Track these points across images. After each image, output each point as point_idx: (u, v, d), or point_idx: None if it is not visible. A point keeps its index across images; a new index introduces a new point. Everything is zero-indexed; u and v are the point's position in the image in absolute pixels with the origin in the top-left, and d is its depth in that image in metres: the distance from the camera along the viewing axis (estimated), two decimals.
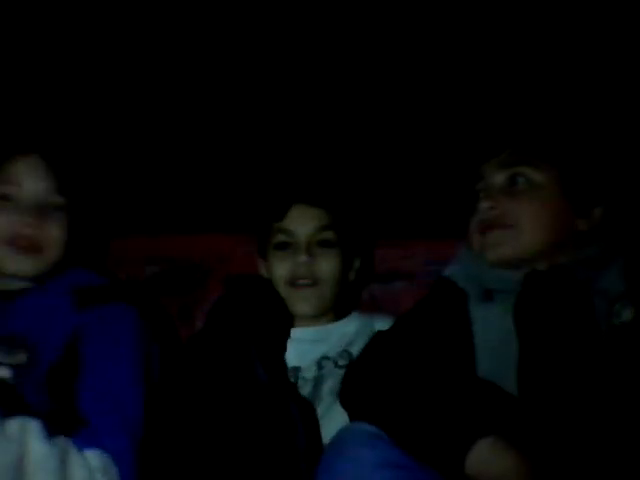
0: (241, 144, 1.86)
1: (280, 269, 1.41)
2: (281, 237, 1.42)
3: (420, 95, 1.80)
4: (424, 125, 1.80)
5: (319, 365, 1.38)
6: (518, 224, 1.19)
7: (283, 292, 1.40)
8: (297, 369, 1.37)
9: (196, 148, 1.87)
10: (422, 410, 1.00)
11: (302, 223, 1.41)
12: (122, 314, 1.21)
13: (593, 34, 1.70)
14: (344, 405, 1.14)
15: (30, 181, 1.22)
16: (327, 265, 1.40)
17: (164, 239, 1.69)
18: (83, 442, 1.03)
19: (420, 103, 1.80)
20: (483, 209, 1.22)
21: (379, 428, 1.00)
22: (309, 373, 1.37)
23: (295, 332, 1.41)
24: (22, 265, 1.21)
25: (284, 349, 1.38)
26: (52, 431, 1.00)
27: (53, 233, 1.22)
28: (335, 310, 1.46)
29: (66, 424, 1.04)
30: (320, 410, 1.32)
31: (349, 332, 1.42)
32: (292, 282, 1.39)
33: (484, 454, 0.94)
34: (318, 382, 1.36)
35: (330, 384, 1.34)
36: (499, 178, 1.22)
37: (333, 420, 1.25)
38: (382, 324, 1.34)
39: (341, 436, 1.02)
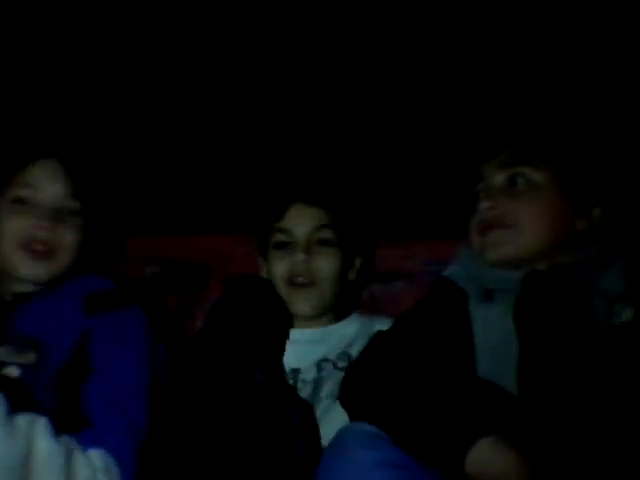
0: (240, 144, 1.86)
1: (278, 268, 1.41)
2: (280, 237, 1.42)
3: (420, 95, 1.80)
4: (424, 125, 1.80)
5: (319, 367, 1.37)
6: (518, 224, 1.19)
7: (283, 292, 1.40)
8: (297, 371, 1.37)
9: (196, 149, 1.87)
10: (422, 410, 1.00)
11: (300, 222, 1.42)
12: (131, 318, 1.23)
13: (592, 35, 1.70)
14: (344, 405, 1.14)
15: (47, 185, 1.24)
16: (325, 264, 1.40)
17: (164, 239, 1.70)
18: (87, 442, 1.04)
19: (420, 103, 1.80)
20: (483, 209, 1.22)
21: (379, 428, 1.00)
22: (309, 375, 1.37)
23: (294, 333, 1.40)
24: (36, 270, 1.22)
25: (282, 350, 1.38)
26: (58, 430, 1.01)
27: (67, 237, 1.23)
28: (335, 310, 1.46)
29: (71, 424, 1.05)
30: (319, 412, 1.32)
31: (349, 334, 1.42)
32: (290, 281, 1.39)
33: (484, 453, 0.93)
34: (317, 384, 1.35)
35: (329, 386, 1.34)
36: (499, 178, 1.23)
37: (332, 422, 1.24)
38: (382, 326, 1.33)
39: (341, 436, 1.02)
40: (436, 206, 1.72)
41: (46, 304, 1.22)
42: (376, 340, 1.19)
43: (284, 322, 1.39)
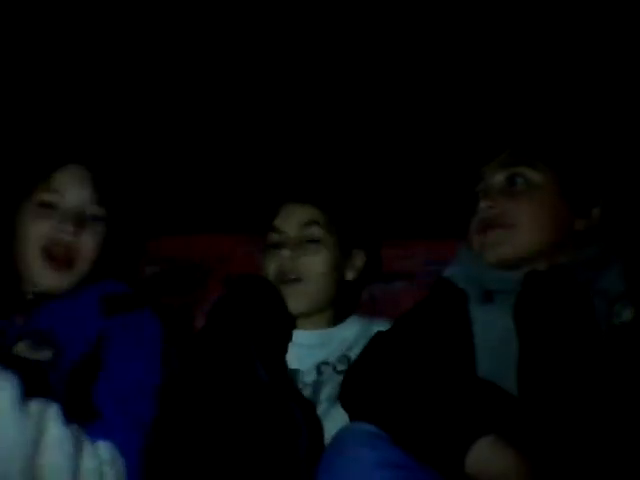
0: (240, 145, 1.86)
1: (269, 266, 1.42)
2: (273, 236, 1.44)
3: (420, 96, 1.80)
4: (424, 126, 1.80)
5: (318, 370, 1.37)
6: (517, 224, 1.19)
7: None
8: (297, 372, 1.37)
9: (196, 149, 1.87)
10: (422, 409, 1.00)
11: (289, 220, 1.43)
12: (146, 321, 1.25)
13: (592, 36, 1.70)
14: (344, 405, 1.14)
15: (74, 191, 1.26)
16: (313, 261, 1.40)
17: (164, 239, 1.70)
18: (95, 433, 1.06)
19: (420, 104, 1.80)
20: (482, 208, 1.22)
21: (379, 428, 1.00)
22: (308, 378, 1.37)
23: (296, 336, 1.40)
24: (55, 281, 1.24)
25: (285, 349, 1.38)
26: (68, 419, 1.03)
27: (89, 243, 1.25)
28: (334, 311, 1.46)
29: (81, 416, 1.07)
30: (318, 415, 1.31)
31: (349, 337, 1.42)
32: (280, 278, 1.40)
33: (484, 453, 0.94)
34: (317, 387, 1.35)
35: (329, 389, 1.34)
36: (498, 178, 1.23)
37: (331, 424, 1.24)
38: (382, 328, 1.33)
39: (341, 436, 1.02)
40: (436, 206, 1.72)
41: (64, 304, 1.24)
42: (376, 340, 1.19)
43: (286, 320, 1.39)
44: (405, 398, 1.03)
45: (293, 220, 1.43)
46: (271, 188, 1.55)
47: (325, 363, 1.38)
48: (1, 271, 1.27)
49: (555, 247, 1.19)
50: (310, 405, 1.31)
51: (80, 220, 1.25)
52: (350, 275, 1.48)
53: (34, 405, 0.98)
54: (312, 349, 1.39)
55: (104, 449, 1.05)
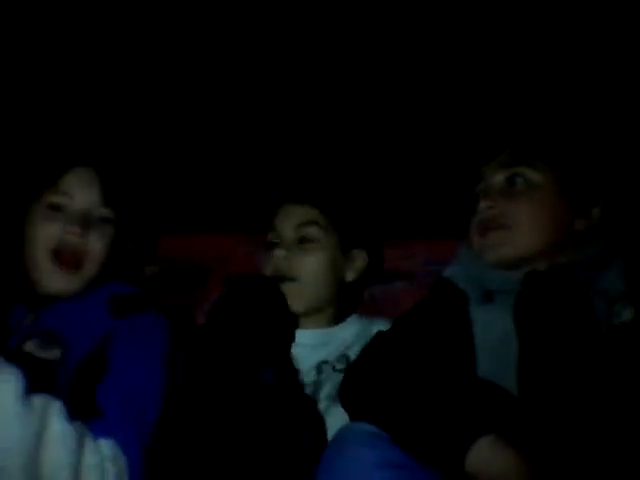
0: (240, 145, 1.86)
1: (266, 267, 1.42)
2: (271, 236, 1.44)
3: (420, 96, 1.80)
4: (424, 126, 1.80)
5: (318, 369, 1.38)
6: (517, 224, 1.19)
7: None
8: (297, 372, 1.37)
9: (196, 150, 1.87)
10: (422, 409, 1.00)
11: (285, 220, 1.43)
12: (153, 322, 1.25)
13: (592, 35, 1.70)
14: (344, 405, 1.14)
15: (82, 193, 1.27)
16: (308, 260, 1.40)
17: (164, 239, 1.70)
18: (98, 431, 1.06)
19: (420, 104, 1.80)
20: (482, 209, 1.22)
21: (379, 428, 1.00)
22: (308, 377, 1.37)
23: (296, 335, 1.40)
24: (64, 285, 1.24)
25: (289, 348, 1.38)
26: (72, 416, 1.03)
27: (97, 245, 1.26)
28: (335, 311, 1.46)
29: (84, 414, 1.07)
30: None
31: (348, 336, 1.42)
32: (276, 278, 1.40)
33: (484, 453, 0.94)
34: (317, 386, 1.36)
35: (328, 388, 1.34)
36: (498, 179, 1.23)
37: (331, 424, 1.25)
38: (381, 327, 1.33)
39: (341, 436, 1.02)
40: (436, 206, 1.72)
41: (73, 305, 1.25)
42: (376, 340, 1.19)
43: (288, 319, 1.39)
44: (405, 398, 1.03)
45: (291, 220, 1.43)
46: (271, 188, 1.54)
47: (325, 362, 1.38)
48: (10, 272, 1.28)
49: (555, 247, 1.19)
50: (312, 405, 1.31)
51: (88, 222, 1.25)
52: (350, 275, 1.47)
53: (37, 400, 0.99)
54: (312, 348, 1.39)
55: (106, 446, 1.05)
